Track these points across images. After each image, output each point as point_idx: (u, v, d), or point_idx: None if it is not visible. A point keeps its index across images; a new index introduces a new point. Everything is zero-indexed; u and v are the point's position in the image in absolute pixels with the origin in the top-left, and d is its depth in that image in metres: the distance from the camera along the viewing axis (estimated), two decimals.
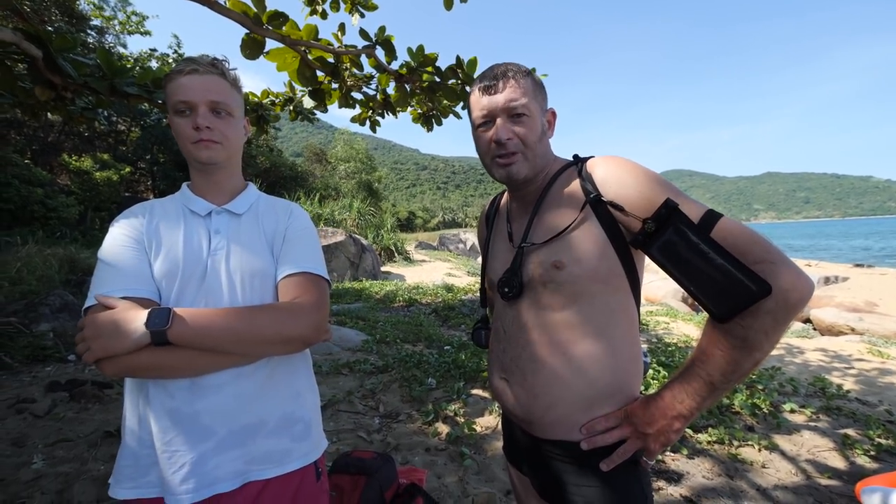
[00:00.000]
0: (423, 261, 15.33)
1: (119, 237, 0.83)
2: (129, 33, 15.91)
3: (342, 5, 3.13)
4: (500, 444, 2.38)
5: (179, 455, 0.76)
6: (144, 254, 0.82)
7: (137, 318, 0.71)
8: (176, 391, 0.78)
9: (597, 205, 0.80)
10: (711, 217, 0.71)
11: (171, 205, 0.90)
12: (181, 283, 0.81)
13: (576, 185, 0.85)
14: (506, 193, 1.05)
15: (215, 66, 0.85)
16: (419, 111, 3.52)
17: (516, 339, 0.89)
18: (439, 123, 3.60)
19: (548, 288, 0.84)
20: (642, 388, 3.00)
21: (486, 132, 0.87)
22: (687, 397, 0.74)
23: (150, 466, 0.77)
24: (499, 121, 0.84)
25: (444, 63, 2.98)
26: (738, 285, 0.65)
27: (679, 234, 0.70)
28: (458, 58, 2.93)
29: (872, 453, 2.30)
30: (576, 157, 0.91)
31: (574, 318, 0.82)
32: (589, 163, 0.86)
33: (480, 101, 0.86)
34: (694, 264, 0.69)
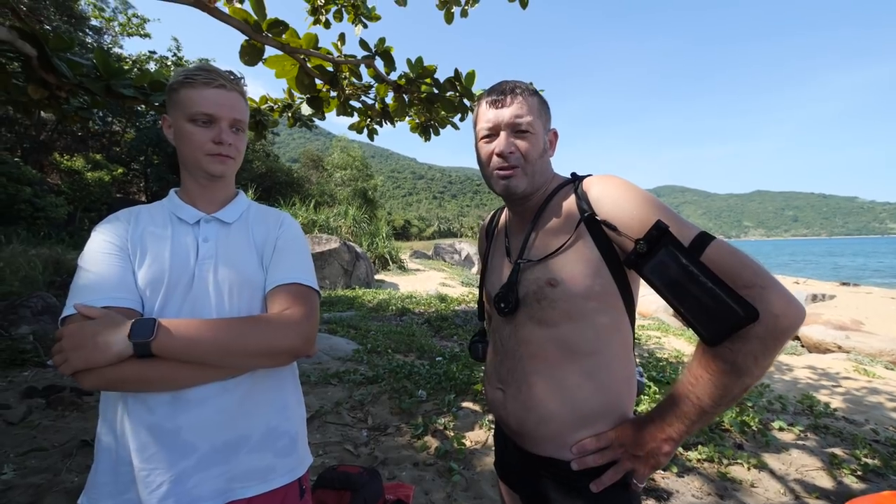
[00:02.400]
0: (418, 270, 15.29)
1: (101, 243, 0.80)
2: (129, 35, 15.94)
3: (345, 16, 3.17)
4: (489, 459, 2.35)
5: (158, 473, 0.73)
6: (128, 261, 0.80)
7: (120, 329, 0.68)
8: (156, 406, 0.75)
9: (591, 223, 0.81)
10: (703, 239, 0.71)
11: (158, 211, 0.89)
12: (166, 292, 0.79)
13: (572, 202, 0.86)
14: (506, 208, 1.06)
15: (238, 84, 0.87)
16: (417, 121, 3.54)
17: (513, 353, 0.90)
18: (437, 133, 3.62)
19: (542, 305, 0.84)
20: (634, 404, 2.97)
21: (489, 144, 0.88)
22: (676, 420, 0.73)
23: (130, 483, 0.74)
24: (502, 134, 0.85)
25: (442, 75, 3.02)
26: (726, 309, 0.65)
27: (670, 256, 0.70)
28: (456, 70, 2.97)
29: (859, 473, 2.30)
30: (573, 174, 0.92)
31: (568, 336, 0.83)
32: (585, 181, 0.87)
33: (487, 114, 0.88)
34: (684, 287, 0.69)
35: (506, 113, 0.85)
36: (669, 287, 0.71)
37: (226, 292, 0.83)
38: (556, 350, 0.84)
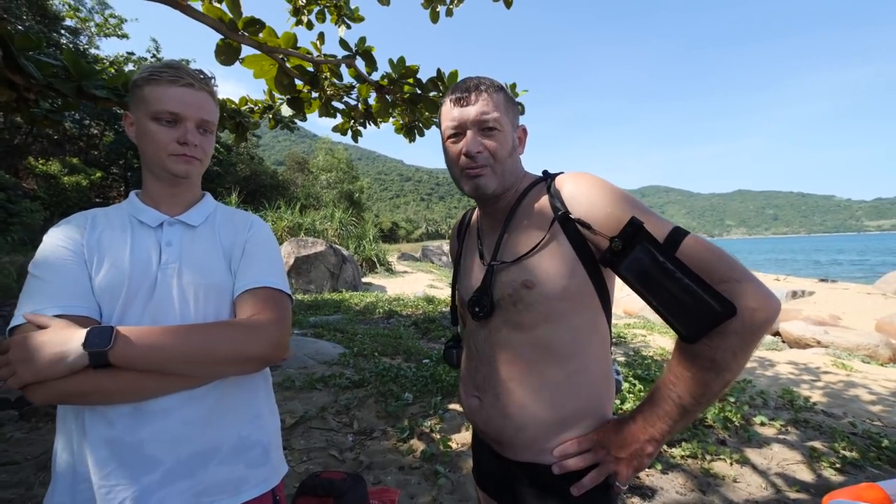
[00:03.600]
0: (405, 272, 15.23)
1: (54, 248, 0.76)
2: (106, 36, 15.57)
3: (328, 16, 3.13)
4: None
5: (119, 490, 0.69)
6: (83, 267, 0.76)
7: (73, 338, 0.65)
8: (117, 419, 0.71)
9: (565, 222, 0.79)
10: (677, 235, 0.70)
11: (116, 214, 0.84)
12: (126, 299, 0.75)
13: (545, 201, 0.84)
14: (477, 208, 1.03)
15: (207, 84, 0.84)
16: (401, 122, 3.52)
17: (488, 358, 0.87)
18: (421, 135, 3.61)
19: (518, 307, 0.82)
20: (618, 401, 2.97)
21: (456, 144, 0.85)
22: (658, 420, 0.72)
23: (89, 501, 0.70)
24: (469, 133, 0.82)
25: (425, 75, 3.01)
26: (703, 306, 0.64)
27: (645, 253, 0.69)
28: (438, 70, 2.96)
29: (838, 466, 2.35)
30: (545, 172, 0.90)
31: (545, 338, 0.81)
32: (558, 179, 0.84)
33: (451, 113, 0.84)
34: (661, 284, 0.68)
35: (471, 111, 0.82)
36: (646, 284, 0.69)
37: (191, 298, 0.79)
38: (533, 354, 0.82)
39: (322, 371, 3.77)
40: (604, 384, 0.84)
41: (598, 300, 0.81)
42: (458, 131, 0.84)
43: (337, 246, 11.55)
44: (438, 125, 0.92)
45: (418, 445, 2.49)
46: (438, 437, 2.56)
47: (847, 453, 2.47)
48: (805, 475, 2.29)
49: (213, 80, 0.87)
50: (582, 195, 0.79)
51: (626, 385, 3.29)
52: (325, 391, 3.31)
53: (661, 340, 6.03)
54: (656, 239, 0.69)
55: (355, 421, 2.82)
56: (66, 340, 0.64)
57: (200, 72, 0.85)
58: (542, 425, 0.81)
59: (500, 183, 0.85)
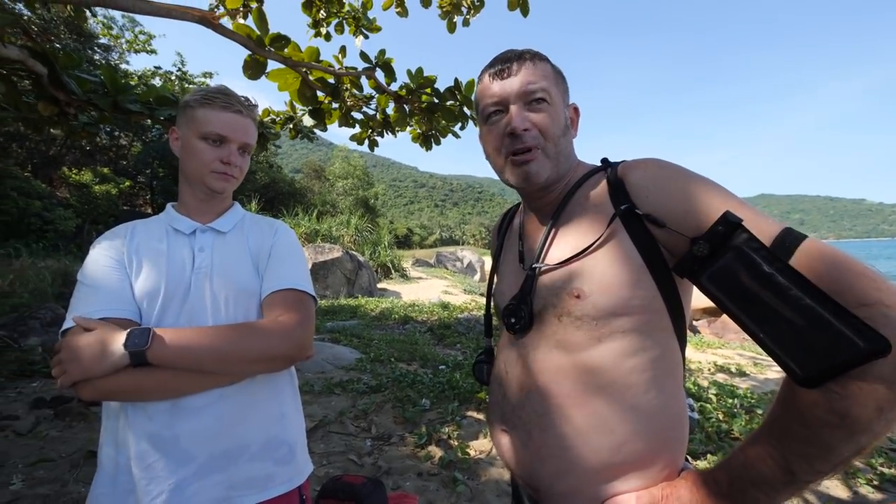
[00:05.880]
0: (420, 278, 15.27)
1: (99, 258, 0.83)
2: (136, 52, 16.30)
3: (346, 28, 3.23)
4: (494, 469, 2.32)
5: (157, 482, 0.74)
6: (125, 274, 0.82)
7: (116, 339, 0.70)
8: (155, 413, 0.76)
9: (630, 218, 0.64)
10: (790, 238, 0.53)
11: (155, 225, 0.91)
12: (163, 302, 0.81)
13: (603, 193, 0.69)
14: (522, 203, 0.88)
15: (252, 111, 0.92)
16: (418, 131, 3.57)
17: (519, 384, 0.73)
18: (437, 143, 3.65)
19: (562, 322, 0.67)
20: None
21: (498, 124, 0.72)
22: (752, 487, 0.53)
23: (128, 493, 0.75)
24: (513, 108, 0.69)
25: (442, 85, 3.06)
26: (835, 337, 0.46)
27: (742, 261, 0.52)
28: (456, 80, 3.00)
29: (875, 483, 2.25)
30: (605, 160, 0.76)
31: (595, 363, 0.65)
32: (621, 167, 0.69)
33: (491, 88, 0.71)
34: (765, 303, 0.50)
35: (514, 82, 0.69)
36: (742, 303, 0.53)
37: (222, 301, 0.84)
38: (580, 381, 0.66)
39: (340, 376, 3.82)
40: (672, 425, 0.66)
41: (668, 318, 0.65)
42: (500, 108, 0.71)
43: (353, 252, 11.70)
44: (476, 108, 0.78)
45: (436, 452, 2.49)
46: (456, 443, 2.55)
47: (885, 470, 2.36)
48: (840, 492, 2.20)
49: (256, 108, 0.95)
50: (653, 184, 0.63)
51: None
52: (343, 396, 3.35)
53: None
54: (760, 241, 0.52)
55: (373, 426, 2.84)
56: (110, 341, 0.70)
57: (247, 99, 0.93)
58: (586, 474, 0.65)
59: (554, 168, 0.72)
